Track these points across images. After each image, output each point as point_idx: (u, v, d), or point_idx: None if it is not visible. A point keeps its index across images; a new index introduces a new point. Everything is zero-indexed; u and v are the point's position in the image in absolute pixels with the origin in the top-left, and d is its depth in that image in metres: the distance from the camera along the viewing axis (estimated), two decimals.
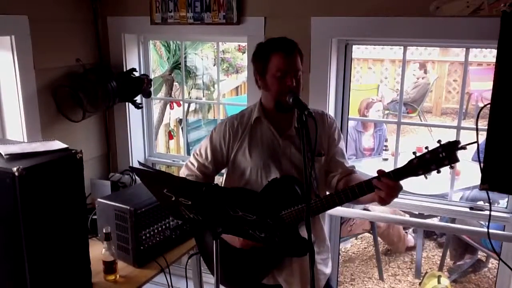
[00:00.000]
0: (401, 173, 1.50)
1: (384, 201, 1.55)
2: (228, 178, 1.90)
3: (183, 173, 1.94)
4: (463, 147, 1.42)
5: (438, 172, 1.46)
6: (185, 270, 2.22)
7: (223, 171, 1.97)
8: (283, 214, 1.67)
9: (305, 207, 1.60)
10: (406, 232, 4.06)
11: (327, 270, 1.90)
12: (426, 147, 1.46)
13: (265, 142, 1.81)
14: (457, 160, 1.43)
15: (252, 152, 1.81)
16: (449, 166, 1.44)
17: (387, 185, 1.50)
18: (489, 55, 7.70)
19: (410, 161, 1.49)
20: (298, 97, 1.62)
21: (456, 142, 1.42)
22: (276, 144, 1.80)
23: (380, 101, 5.07)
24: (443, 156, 1.43)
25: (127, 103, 2.84)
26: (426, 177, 1.48)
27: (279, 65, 1.69)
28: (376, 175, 1.54)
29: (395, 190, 1.52)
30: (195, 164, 1.91)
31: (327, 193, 1.83)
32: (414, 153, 1.48)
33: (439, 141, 1.45)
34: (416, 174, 1.48)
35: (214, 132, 1.90)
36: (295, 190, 1.71)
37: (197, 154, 1.92)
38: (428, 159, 1.45)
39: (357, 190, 1.57)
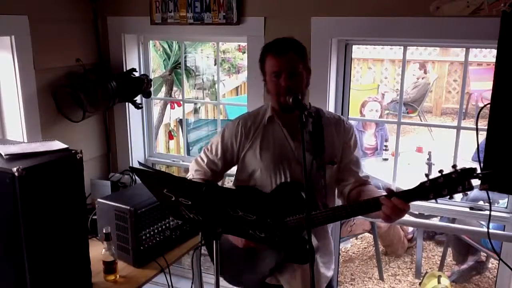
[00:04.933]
0: (410, 195, 1.46)
1: (389, 219, 1.52)
2: (238, 177, 1.89)
3: (192, 167, 1.94)
4: (478, 176, 1.36)
5: (450, 198, 1.41)
6: (192, 263, 2.21)
7: (233, 169, 1.95)
8: (289, 221, 1.65)
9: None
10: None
11: (329, 273, 1.88)
12: (440, 171, 1.40)
13: (276, 144, 1.78)
14: (471, 188, 1.35)
15: (262, 153, 1.79)
16: (462, 193, 1.38)
17: (394, 205, 1.46)
18: (489, 55, 7.68)
19: (422, 184, 1.43)
20: (297, 97, 1.60)
21: (472, 170, 1.36)
22: (288, 147, 1.77)
23: (376, 100, 5.06)
24: (457, 182, 1.36)
25: (127, 103, 2.84)
26: (436, 201, 1.44)
27: (272, 67, 1.68)
28: (385, 193, 1.50)
29: (402, 211, 1.48)
30: (205, 160, 1.90)
31: (337, 202, 1.81)
32: (426, 175, 1.42)
33: (454, 166, 1.38)
34: (427, 198, 1.43)
35: (227, 129, 1.88)
36: (301, 197, 1.68)
37: (207, 150, 1.91)
38: (441, 184, 1.39)
39: (365, 207, 1.54)
